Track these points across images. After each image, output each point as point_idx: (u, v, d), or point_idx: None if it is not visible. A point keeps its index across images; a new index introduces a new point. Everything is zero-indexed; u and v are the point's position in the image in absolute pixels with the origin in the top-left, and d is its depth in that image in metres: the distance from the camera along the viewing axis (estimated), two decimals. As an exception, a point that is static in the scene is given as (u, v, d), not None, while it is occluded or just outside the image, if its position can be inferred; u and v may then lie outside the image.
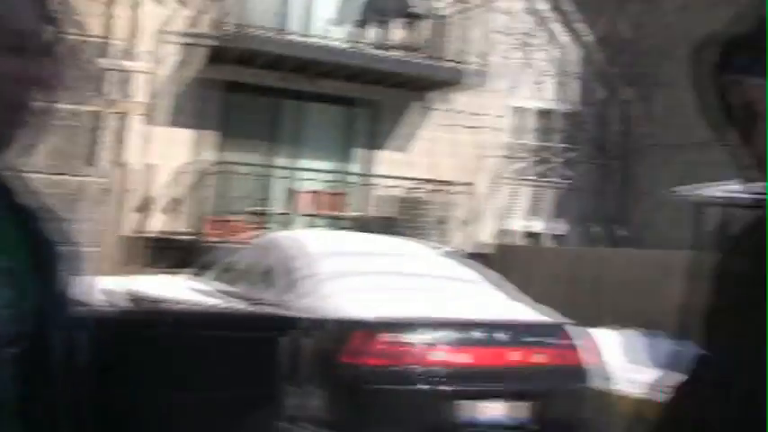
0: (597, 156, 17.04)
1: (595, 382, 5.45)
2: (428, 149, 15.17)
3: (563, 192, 18.24)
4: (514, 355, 5.18)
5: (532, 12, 17.59)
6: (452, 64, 14.24)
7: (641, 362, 9.47)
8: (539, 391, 5.17)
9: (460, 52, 14.33)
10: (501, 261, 12.46)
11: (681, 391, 1.60)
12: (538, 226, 18.10)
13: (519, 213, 17.64)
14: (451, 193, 14.74)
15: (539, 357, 5.26)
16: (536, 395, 5.17)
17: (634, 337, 10.36)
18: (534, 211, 18.02)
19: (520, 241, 17.38)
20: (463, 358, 5.07)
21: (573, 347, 5.43)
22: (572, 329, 5.69)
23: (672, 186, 15.94)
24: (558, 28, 17.99)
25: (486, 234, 16.07)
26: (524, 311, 5.74)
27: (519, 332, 5.36)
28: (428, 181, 14.63)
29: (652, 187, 16.42)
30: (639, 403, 7.58)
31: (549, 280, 12.51)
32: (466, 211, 15.21)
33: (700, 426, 1.48)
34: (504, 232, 17.04)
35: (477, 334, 5.24)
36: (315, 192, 13.99)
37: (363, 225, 12.99)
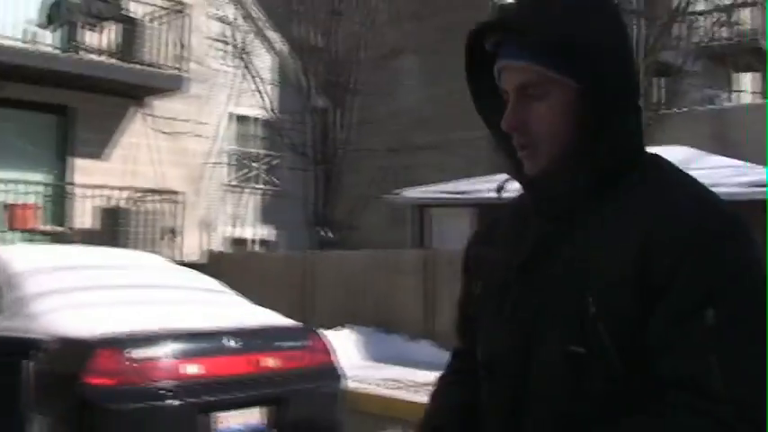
0: (305, 162, 17.39)
1: (337, 382, 5.56)
2: (141, 158, 14.65)
3: (274, 198, 18.43)
4: (262, 361, 5.12)
5: (246, 19, 17.66)
6: (166, 70, 13.85)
7: (372, 359, 9.82)
8: (288, 394, 5.15)
9: (174, 58, 13.98)
10: (217, 269, 12.33)
11: (444, 382, 1.69)
12: (252, 232, 18.14)
13: (234, 221, 17.57)
14: (166, 202, 14.34)
15: (287, 361, 5.24)
16: (286, 399, 5.14)
17: (362, 335, 10.68)
18: (248, 218, 18.03)
19: (235, 248, 17.33)
20: (208, 369, 4.91)
21: (316, 349, 5.49)
22: (313, 331, 5.77)
23: (377, 189, 16.68)
24: (269, 36, 18.20)
25: (201, 242, 15.83)
26: (266, 316, 5.71)
27: (264, 337, 5.31)
28: (140, 190, 14.12)
29: (359, 190, 17.04)
30: (376, 399, 7.85)
31: (268, 285, 12.57)
32: (182, 219, 14.88)
33: (471, 411, 1.53)
34: (220, 240, 16.88)
35: (220, 343, 5.09)
36: (18, 204, 12.94)
37: (74, 237, 12.27)
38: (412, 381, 9.68)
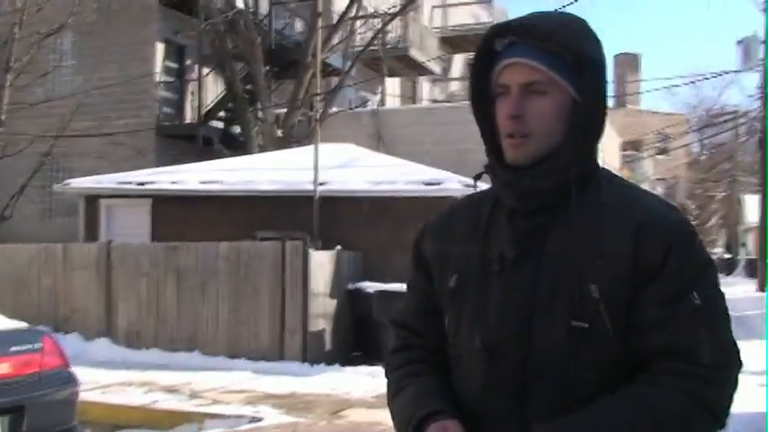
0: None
1: (73, 386, 5.21)
2: None
3: None
4: (-6, 367, 4.64)
5: None
6: None
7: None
8: (24, 402, 4.72)
9: None
10: None
11: (407, 372, 1.71)
12: None
13: None
14: None
15: (20, 367, 4.79)
16: (21, 407, 4.71)
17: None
18: None
19: None
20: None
21: (50, 352, 5.09)
22: (45, 333, 5.35)
23: (34, 177, 15.57)
24: None
25: None
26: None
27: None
28: None
29: (13, 179, 15.83)
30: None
31: None
32: None
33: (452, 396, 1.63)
34: None
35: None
36: None
37: None
38: (93, 381, 9.17)
